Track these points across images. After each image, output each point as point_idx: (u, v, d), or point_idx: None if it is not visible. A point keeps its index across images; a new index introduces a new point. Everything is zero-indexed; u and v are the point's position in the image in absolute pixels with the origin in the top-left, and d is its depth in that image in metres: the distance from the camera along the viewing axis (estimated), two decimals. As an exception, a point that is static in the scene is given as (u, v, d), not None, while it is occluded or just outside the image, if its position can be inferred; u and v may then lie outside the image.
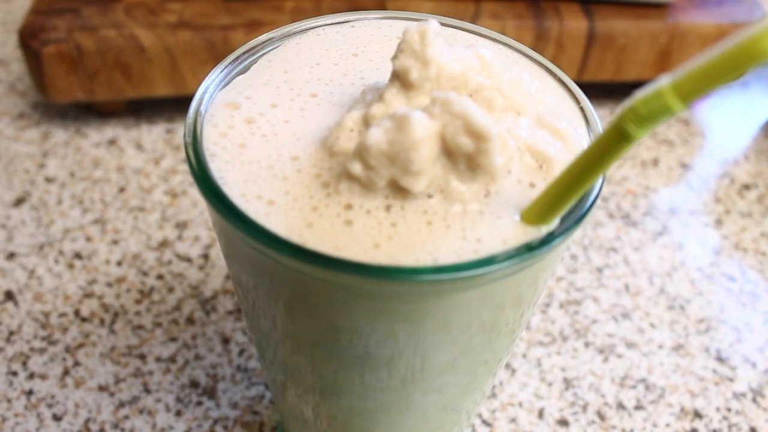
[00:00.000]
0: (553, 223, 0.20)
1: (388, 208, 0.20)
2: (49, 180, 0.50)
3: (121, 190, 0.49)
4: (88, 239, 0.46)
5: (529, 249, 0.19)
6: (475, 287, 0.20)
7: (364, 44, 0.26)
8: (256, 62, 0.25)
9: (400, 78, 0.20)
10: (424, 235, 0.19)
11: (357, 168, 0.19)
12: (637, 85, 0.62)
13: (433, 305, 0.20)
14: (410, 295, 0.20)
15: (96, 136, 0.53)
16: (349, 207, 0.20)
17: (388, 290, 0.20)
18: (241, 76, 0.25)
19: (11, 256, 0.45)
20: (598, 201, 0.23)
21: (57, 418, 0.37)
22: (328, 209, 0.20)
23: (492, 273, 0.18)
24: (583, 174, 0.18)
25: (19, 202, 0.48)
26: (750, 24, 0.15)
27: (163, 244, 0.46)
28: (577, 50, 0.53)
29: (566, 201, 0.19)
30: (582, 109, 0.24)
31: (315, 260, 0.18)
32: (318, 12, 0.51)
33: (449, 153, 0.19)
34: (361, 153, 0.19)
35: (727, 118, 0.61)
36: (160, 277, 0.44)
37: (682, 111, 0.16)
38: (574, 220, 0.20)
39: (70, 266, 0.44)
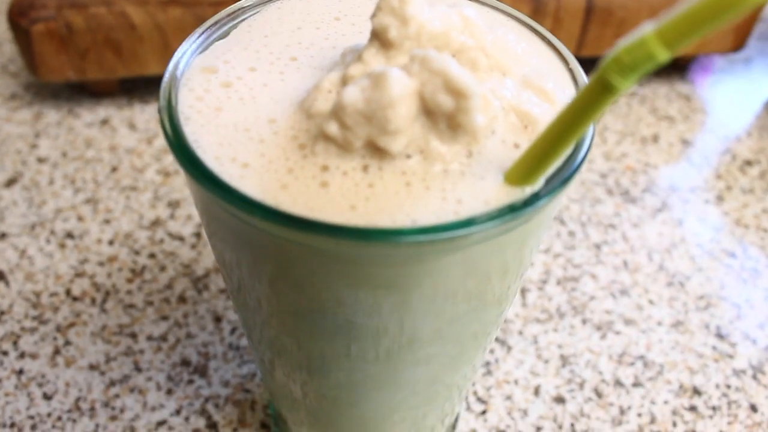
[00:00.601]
0: (538, 184, 0.19)
1: (365, 168, 0.19)
2: (41, 160, 0.49)
3: (114, 169, 0.49)
4: (80, 219, 0.45)
5: (512, 210, 0.18)
6: (457, 250, 0.19)
7: (347, 8, 0.26)
8: (236, 27, 0.25)
9: (379, 37, 0.20)
10: (402, 197, 0.18)
11: (333, 128, 0.18)
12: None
13: (416, 270, 0.20)
14: (390, 258, 0.19)
15: (88, 116, 0.53)
16: (325, 168, 0.19)
17: (367, 253, 0.19)
18: (221, 41, 0.24)
19: (2, 236, 0.44)
20: (585, 162, 0.22)
21: (47, 397, 0.37)
22: (303, 171, 0.19)
23: (473, 234, 0.18)
24: (566, 129, 0.17)
25: (10, 182, 0.48)
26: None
27: (156, 223, 0.45)
28: (575, 24, 0.52)
29: (550, 159, 0.18)
30: (571, 71, 0.23)
31: (288, 222, 0.18)
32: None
33: (429, 112, 0.18)
34: (337, 112, 0.18)
35: (729, 94, 0.60)
36: (152, 256, 0.43)
37: (667, 59, 0.15)
38: (559, 181, 0.19)
39: (62, 246, 0.44)
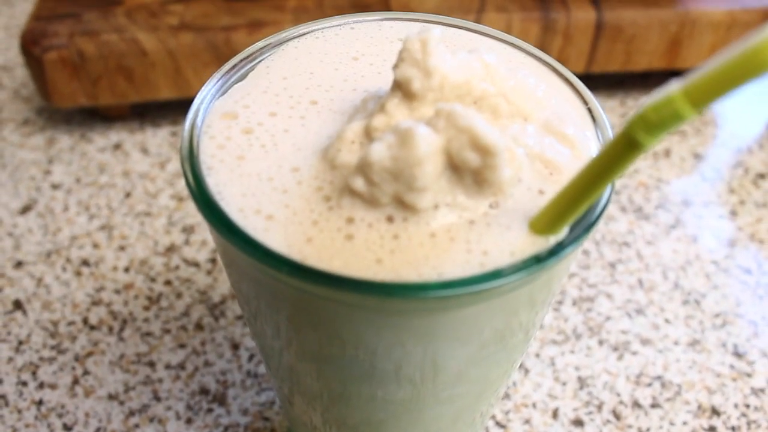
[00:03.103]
0: (562, 233, 0.19)
1: (389, 219, 0.19)
2: (55, 186, 0.50)
3: (127, 195, 0.49)
4: (95, 246, 0.46)
5: (538, 261, 0.18)
6: (484, 300, 0.19)
7: (364, 47, 0.26)
8: (254, 69, 0.25)
9: (401, 88, 0.20)
10: (427, 249, 0.19)
11: (359, 184, 0.19)
12: (646, 75, 0.60)
13: (441, 319, 0.20)
14: (416, 310, 0.19)
15: (101, 140, 0.53)
16: (350, 220, 0.19)
17: (393, 306, 0.19)
18: (239, 84, 0.24)
19: (19, 264, 0.44)
20: (607, 210, 0.22)
21: (67, 428, 0.37)
22: (329, 223, 0.19)
23: (500, 287, 0.18)
24: (592, 182, 0.17)
25: (25, 209, 0.48)
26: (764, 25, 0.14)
27: (170, 249, 0.45)
28: (585, 41, 0.52)
29: (575, 210, 0.18)
30: (590, 110, 0.23)
31: (316, 278, 0.18)
32: (320, 9, 0.50)
33: (455, 167, 0.18)
34: (364, 168, 0.18)
35: (740, 107, 0.59)
36: (167, 282, 0.43)
37: (693, 118, 0.15)
38: (582, 229, 0.19)
39: (78, 274, 0.44)
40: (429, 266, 0.18)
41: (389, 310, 0.19)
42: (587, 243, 0.47)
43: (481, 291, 0.18)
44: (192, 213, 0.48)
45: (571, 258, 0.20)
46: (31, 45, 0.48)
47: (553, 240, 0.19)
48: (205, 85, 0.24)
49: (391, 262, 0.18)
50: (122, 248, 0.45)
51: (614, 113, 0.57)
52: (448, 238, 0.19)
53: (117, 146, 0.53)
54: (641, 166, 0.53)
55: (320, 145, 0.21)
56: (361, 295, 0.18)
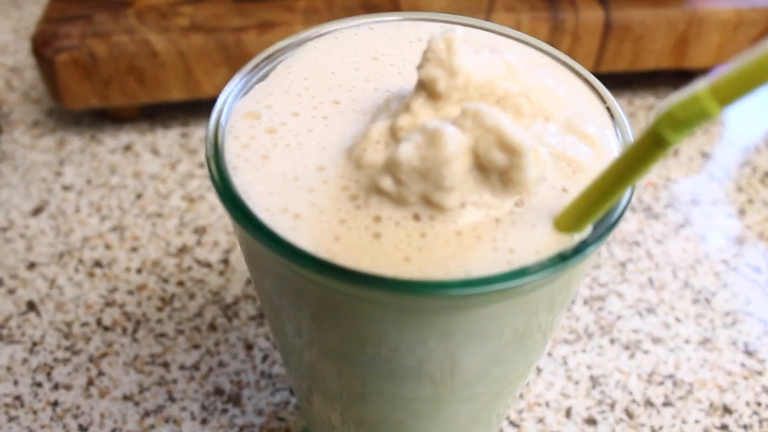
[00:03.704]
0: (586, 231, 0.19)
1: (416, 217, 0.19)
2: (66, 188, 0.50)
3: (139, 196, 0.49)
4: (108, 247, 0.46)
5: (563, 259, 0.18)
6: (508, 299, 0.19)
7: (384, 47, 0.26)
8: (275, 69, 0.25)
9: (426, 88, 0.20)
10: (454, 247, 0.19)
11: (387, 183, 0.19)
12: (654, 74, 0.60)
13: (464, 316, 0.20)
14: (440, 308, 0.19)
15: (111, 142, 0.53)
16: (377, 219, 0.19)
17: (419, 304, 0.19)
18: (261, 83, 0.25)
19: (32, 266, 0.45)
20: (630, 207, 0.22)
21: (83, 428, 0.37)
22: (356, 222, 0.19)
23: (526, 284, 0.18)
24: (618, 180, 0.17)
25: (37, 211, 0.48)
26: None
27: (183, 250, 0.46)
28: (593, 41, 0.52)
29: (600, 208, 0.18)
30: (608, 109, 0.23)
31: (344, 276, 0.18)
32: (330, 11, 0.51)
33: (481, 167, 0.19)
34: (392, 168, 0.19)
35: (747, 106, 0.60)
36: (180, 283, 0.44)
37: (719, 115, 0.16)
38: (606, 227, 0.19)
39: (91, 275, 0.44)
40: (456, 264, 0.18)
41: (414, 307, 0.20)
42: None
43: (507, 289, 0.18)
44: (203, 214, 0.48)
45: (593, 257, 0.21)
46: (43, 47, 0.48)
47: (577, 238, 0.19)
48: (227, 85, 0.24)
49: (418, 260, 0.18)
50: (134, 249, 0.46)
51: (624, 113, 0.57)
52: (474, 237, 0.19)
53: (127, 147, 0.53)
54: (650, 165, 0.53)
55: (345, 144, 0.21)
56: (390, 293, 0.18)
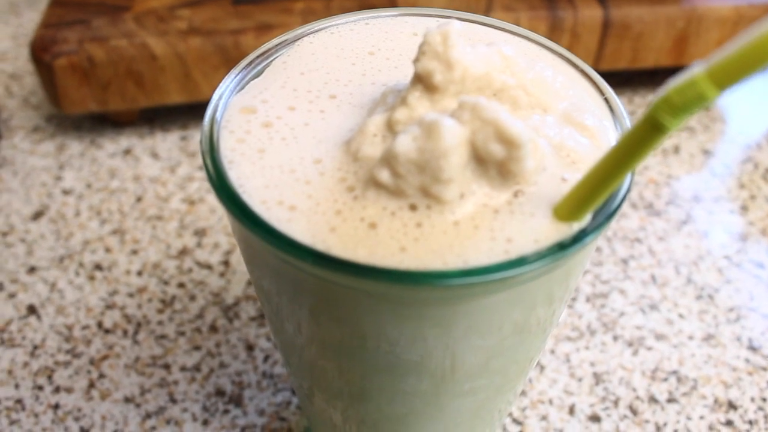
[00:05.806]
0: (585, 220, 0.19)
1: (412, 207, 0.19)
2: (66, 192, 0.50)
3: (139, 199, 0.49)
4: (108, 250, 0.46)
5: (562, 248, 0.18)
6: (506, 288, 0.19)
7: (379, 42, 0.26)
8: (270, 65, 0.25)
9: (423, 81, 0.20)
10: (451, 237, 0.19)
11: (385, 176, 0.19)
12: (654, 72, 0.60)
13: (463, 308, 0.20)
14: (438, 299, 0.19)
15: (111, 146, 0.53)
16: (374, 210, 0.19)
17: (417, 295, 0.19)
18: (256, 79, 0.24)
19: (32, 270, 0.45)
20: (629, 195, 0.22)
21: (84, 431, 0.37)
22: (352, 212, 0.19)
23: (524, 274, 0.18)
24: (616, 167, 0.17)
25: (37, 215, 0.48)
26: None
27: (183, 252, 0.45)
28: (592, 39, 0.52)
29: (599, 196, 0.18)
30: (607, 101, 0.23)
31: (340, 268, 0.18)
32: (328, 12, 0.51)
33: (479, 159, 0.19)
34: (389, 161, 0.18)
35: (748, 102, 0.59)
36: (181, 285, 0.44)
37: (716, 98, 0.15)
38: (605, 216, 0.19)
39: (91, 278, 0.44)
40: (453, 254, 0.18)
41: (412, 299, 0.19)
42: (599, 239, 0.47)
43: (505, 278, 0.18)
44: (203, 216, 0.48)
45: (591, 248, 0.20)
46: (41, 52, 0.48)
47: (576, 227, 0.19)
48: (223, 81, 0.24)
49: (415, 250, 0.18)
50: (135, 252, 0.46)
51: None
52: (472, 226, 0.19)
53: (127, 151, 0.53)
54: (651, 162, 0.53)
55: (342, 137, 0.21)
56: (387, 283, 0.18)
